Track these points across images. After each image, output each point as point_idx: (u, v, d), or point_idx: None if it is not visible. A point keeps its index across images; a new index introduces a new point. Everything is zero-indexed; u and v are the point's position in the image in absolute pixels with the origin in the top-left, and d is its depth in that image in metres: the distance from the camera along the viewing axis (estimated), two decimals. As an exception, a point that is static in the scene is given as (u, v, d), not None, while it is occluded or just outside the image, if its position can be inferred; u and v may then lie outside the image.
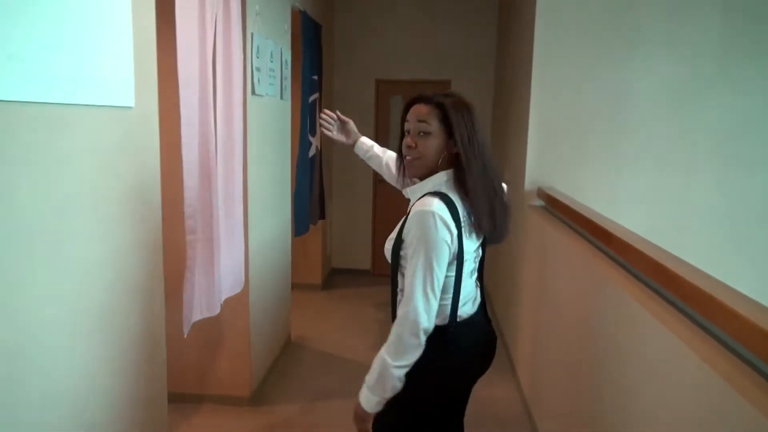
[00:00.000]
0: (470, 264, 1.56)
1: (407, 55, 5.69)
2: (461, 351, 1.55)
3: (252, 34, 2.95)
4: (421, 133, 1.52)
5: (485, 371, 1.69)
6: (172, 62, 2.12)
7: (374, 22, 5.66)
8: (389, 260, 1.55)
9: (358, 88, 5.72)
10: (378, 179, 5.64)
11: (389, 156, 2.06)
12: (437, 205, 1.41)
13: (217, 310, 2.47)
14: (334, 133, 2.10)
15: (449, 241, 1.43)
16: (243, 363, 3.12)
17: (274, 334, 3.68)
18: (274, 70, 3.41)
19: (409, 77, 5.71)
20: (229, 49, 2.55)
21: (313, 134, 4.34)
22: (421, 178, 1.56)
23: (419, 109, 1.55)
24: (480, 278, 1.68)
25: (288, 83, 3.76)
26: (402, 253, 1.49)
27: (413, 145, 1.53)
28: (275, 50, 3.41)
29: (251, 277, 3.07)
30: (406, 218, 1.49)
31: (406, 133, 1.57)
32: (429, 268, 1.40)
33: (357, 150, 2.12)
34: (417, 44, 5.67)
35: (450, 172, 1.52)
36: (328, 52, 5.26)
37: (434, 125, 1.51)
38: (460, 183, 1.49)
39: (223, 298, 2.59)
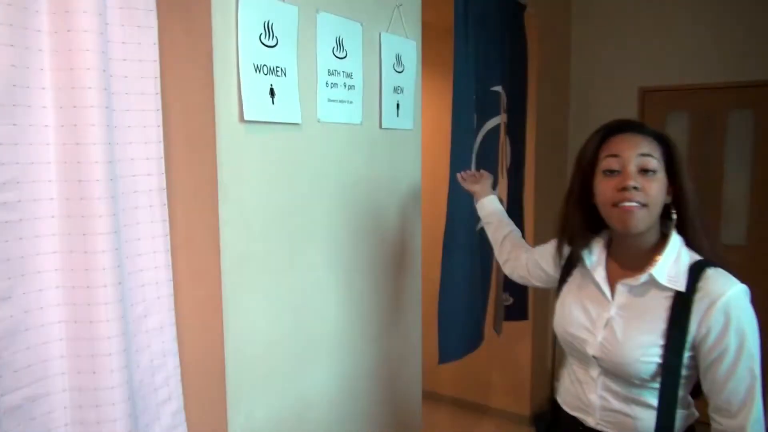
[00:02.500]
0: None
1: (692, 46, 3.33)
2: None
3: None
4: (648, 172, 1.18)
5: None
6: None
7: (630, 1, 3.48)
8: (640, 373, 1.18)
9: (609, 103, 3.58)
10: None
11: (515, 234, 1.73)
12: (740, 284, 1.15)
13: None
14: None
15: None
16: None
17: None
18: (350, 75, 1.76)
19: (699, 81, 3.33)
20: None
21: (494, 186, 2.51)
22: (637, 235, 1.22)
23: (636, 141, 1.21)
24: None
25: (409, 99, 2.05)
26: (691, 354, 1.16)
27: (638, 186, 1.17)
28: (350, 35, 1.76)
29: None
30: (678, 307, 1.15)
31: (606, 174, 1.21)
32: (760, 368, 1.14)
33: (479, 207, 1.84)
34: (709, 31, 3.27)
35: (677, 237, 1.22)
36: (543, 48, 3.29)
37: (660, 162, 1.20)
38: (700, 249, 1.21)
39: None
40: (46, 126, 1.04)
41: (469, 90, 2.34)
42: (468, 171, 2.00)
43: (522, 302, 2.99)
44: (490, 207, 1.82)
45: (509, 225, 1.78)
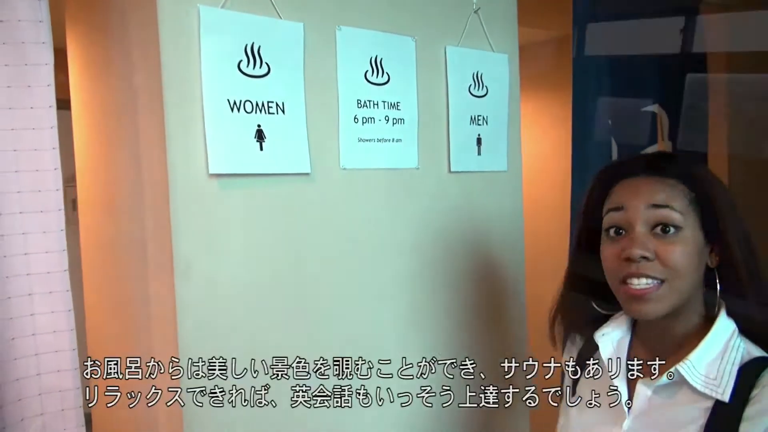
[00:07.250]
0: None
1: None
2: None
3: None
4: (666, 229, 0.83)
5: None
6: None
7: None
8: None
9: None
10: None
11: None
12: None
13: None
14: None
15: None
16: None
17: None
18: (397, 105, 1.34)
19: None
20: None
21: None
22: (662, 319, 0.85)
23: (649, 186, 0.86)
24: None
25: (498, 131, 1.53)
26: None
27: (648, 254, 0.82)
28: (394, 54, 1.34)
29: None
30: (718, 424, 0.78)
31: (610, 235, 0.87)
32: None
33: None
34: None
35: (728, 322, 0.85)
36: (736, 48, 2.40)
37: (686, 215, 0.84)
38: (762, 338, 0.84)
39: None
40: None
41: (600, 114, 1.73)
42: None
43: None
44: None
45: None
